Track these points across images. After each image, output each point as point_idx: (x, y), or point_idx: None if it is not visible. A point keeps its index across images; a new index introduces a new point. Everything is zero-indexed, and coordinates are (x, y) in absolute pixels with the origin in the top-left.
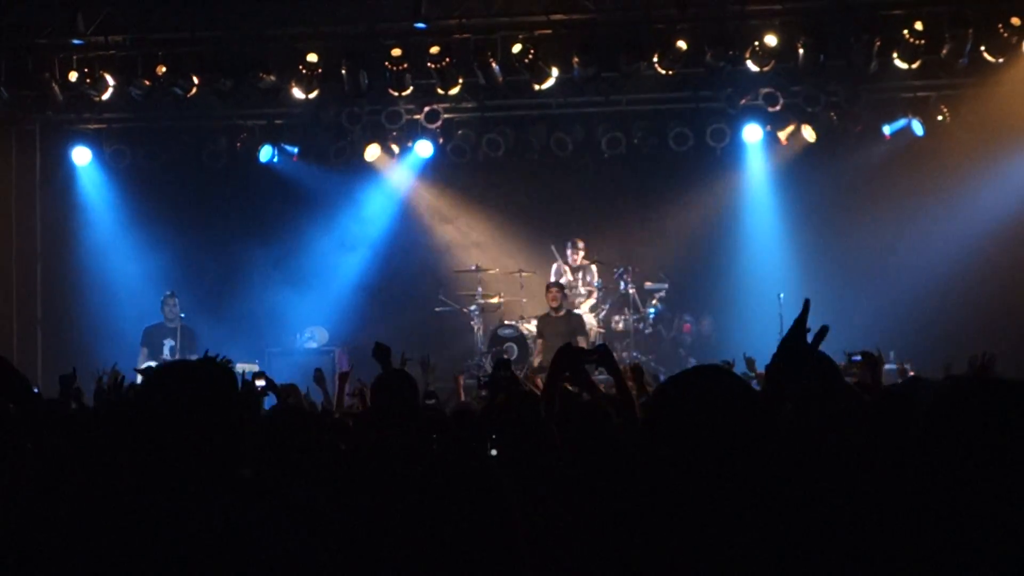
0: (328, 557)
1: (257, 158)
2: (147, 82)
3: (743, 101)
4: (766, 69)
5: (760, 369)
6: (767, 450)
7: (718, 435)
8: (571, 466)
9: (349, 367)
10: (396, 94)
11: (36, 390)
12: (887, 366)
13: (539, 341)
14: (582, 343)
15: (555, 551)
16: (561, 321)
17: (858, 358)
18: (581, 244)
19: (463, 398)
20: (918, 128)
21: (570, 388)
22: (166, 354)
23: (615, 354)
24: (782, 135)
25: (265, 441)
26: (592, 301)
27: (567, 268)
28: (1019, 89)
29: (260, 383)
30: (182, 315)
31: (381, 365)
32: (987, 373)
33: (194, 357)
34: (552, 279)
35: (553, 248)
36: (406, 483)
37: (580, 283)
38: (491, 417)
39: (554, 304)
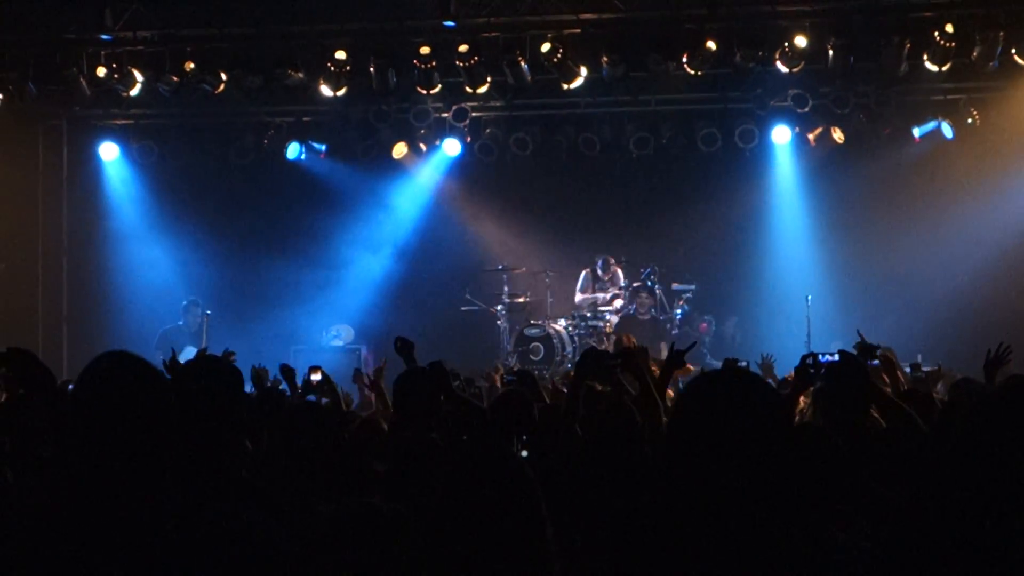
0: (345, 559)
1: (284, 155)
2: (175, 78)
3: (772, 102)
4: (795, 70)
5: (777, 372)
6: (791, 452)
7: (742, 437)
8: (594, 465)
9: (382, 362)
10: (424, 92)
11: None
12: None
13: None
14: (664, 349)
15: (580, 550)
16: (648, 325)
17: (875, 362)
18: (613, 262)
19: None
20: (948, 131)
21: (599, 387)
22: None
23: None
24: (811, 136)
25: (285, 438)
26: (620, 303)
27: (595, 278)
28: None
29: (316, 377)
30: (209, 311)
31: (404, 360)
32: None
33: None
34: (579, 290)
35: (586, 272)
36: (434, 483)
37: (607, 286)
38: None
39: (642, 308)
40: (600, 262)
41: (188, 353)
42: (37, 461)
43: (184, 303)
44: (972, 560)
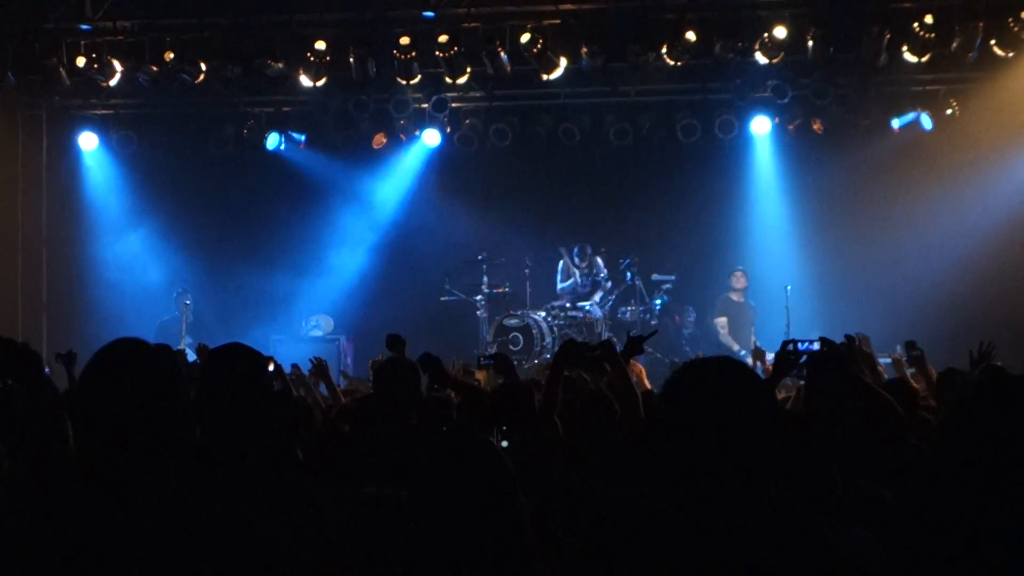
0: (329, 549)
1: (264, 145)
2: (154, 68)
3: (752, 93)
4: (775, 61)
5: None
6: (777, 438)
7: (728, 424)
8: (575, 455)
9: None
10: (404, 82)
11: (48, 370)
12: (884, 360)
13: (722, 319)
14: (752, 332)
15: (562, 542)
16: (748, 308)
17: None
18: (589, 251)
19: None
20: (927, 122)
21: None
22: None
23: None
24: (790, 127)
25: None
26: (600, 293)
27: (572, 266)
28: None
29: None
30: (189, 300)
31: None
32: (987, 362)
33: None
34: (560, 277)
35: (563, 251)
36: (413, 473)
37: (587, 275)
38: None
39: (739, 287)
40: (576, 250)
41: (187, 343)
42: (29, 452)
43: (175, 294)
44: (957, 548)
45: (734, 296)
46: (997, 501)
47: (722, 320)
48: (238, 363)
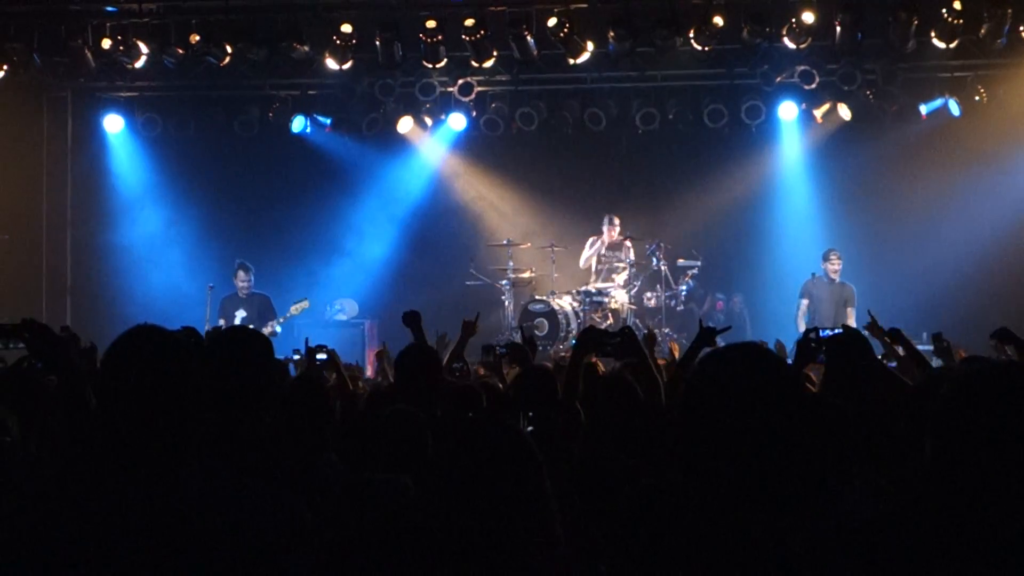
0: (349, 535)
1: (289, 128)
2: (180, 50)
3: (779, 78)
4: (803, 46)
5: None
6: (804, 426)
7: (756, 412)
8: (598, 441)
9: (382, 345)
10: (430, 66)
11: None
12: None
13: (803, 302)
14: (850, 314)
15: (585, 529)
16: (837, 288)
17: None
18: (617, 220)
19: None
20: (955, 108)
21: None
22: (237, 324)
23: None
24: (818, 113)
25: (287, 414)
26: (625, 276)
27: (603, 243)
28: None
29: (321, 356)
30: (212, 284)
31: (412, 332)
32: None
33: (270, 323)
34: (585, 256)
35: (593, 238)
36: (439, 458)
37: (615, 260)
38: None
39: (834, 268)
40: (605, 219)
41: (240, 318)
42: (55, 434)
43: (235, 264)
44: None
45: (826, 278)
46: (982, 496)
47: (802, 302)
48: (238, 348)
